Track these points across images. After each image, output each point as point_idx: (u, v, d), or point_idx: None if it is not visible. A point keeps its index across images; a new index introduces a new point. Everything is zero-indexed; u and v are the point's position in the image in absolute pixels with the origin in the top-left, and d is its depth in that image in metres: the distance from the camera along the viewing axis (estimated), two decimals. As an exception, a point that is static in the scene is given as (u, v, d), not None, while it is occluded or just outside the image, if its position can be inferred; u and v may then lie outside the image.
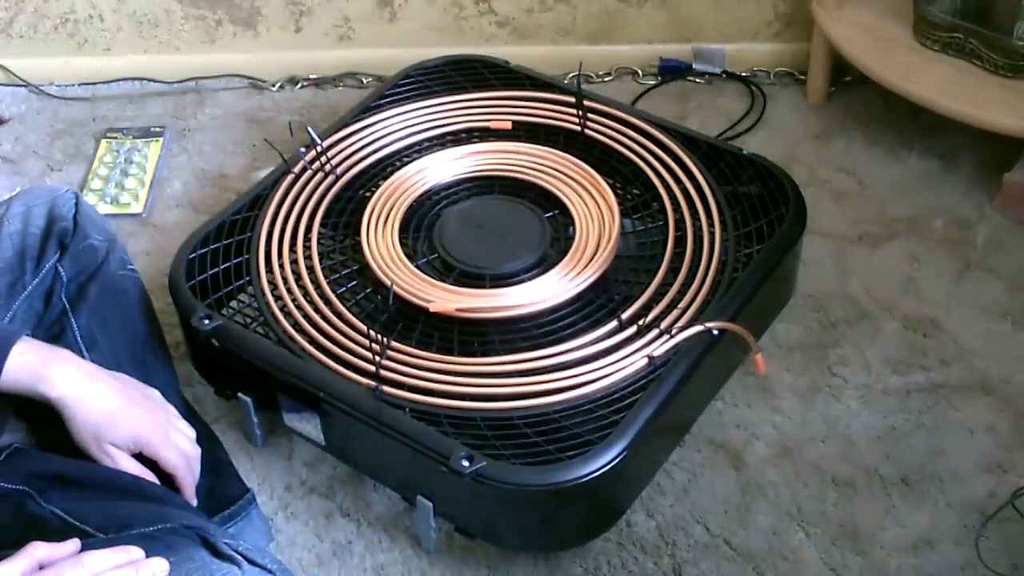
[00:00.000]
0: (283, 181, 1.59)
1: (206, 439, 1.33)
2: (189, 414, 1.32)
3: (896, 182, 1.82)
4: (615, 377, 1.33)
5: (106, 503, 1.07)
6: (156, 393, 1.20)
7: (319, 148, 1.63)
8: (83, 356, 1.21)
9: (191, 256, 1.48)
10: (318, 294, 1.45)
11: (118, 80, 2.07)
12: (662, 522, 1.39)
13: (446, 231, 1.53)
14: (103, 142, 1.95)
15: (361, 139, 1.67)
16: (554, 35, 2.04)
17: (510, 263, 1.48)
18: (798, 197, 1.54)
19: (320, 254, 1.51)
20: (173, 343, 1.60)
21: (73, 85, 2.08)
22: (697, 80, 2.04)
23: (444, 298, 1.42)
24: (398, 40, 2.05)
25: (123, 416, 1.12)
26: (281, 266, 1.49)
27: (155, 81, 2.06)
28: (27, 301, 1.23)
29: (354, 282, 1.49)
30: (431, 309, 1.41)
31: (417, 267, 1.49)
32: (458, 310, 1.41)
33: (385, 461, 1.35)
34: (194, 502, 1.20)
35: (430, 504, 1.31)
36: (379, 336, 1.37)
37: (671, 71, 2.04)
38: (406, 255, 1.51)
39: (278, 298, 1.45)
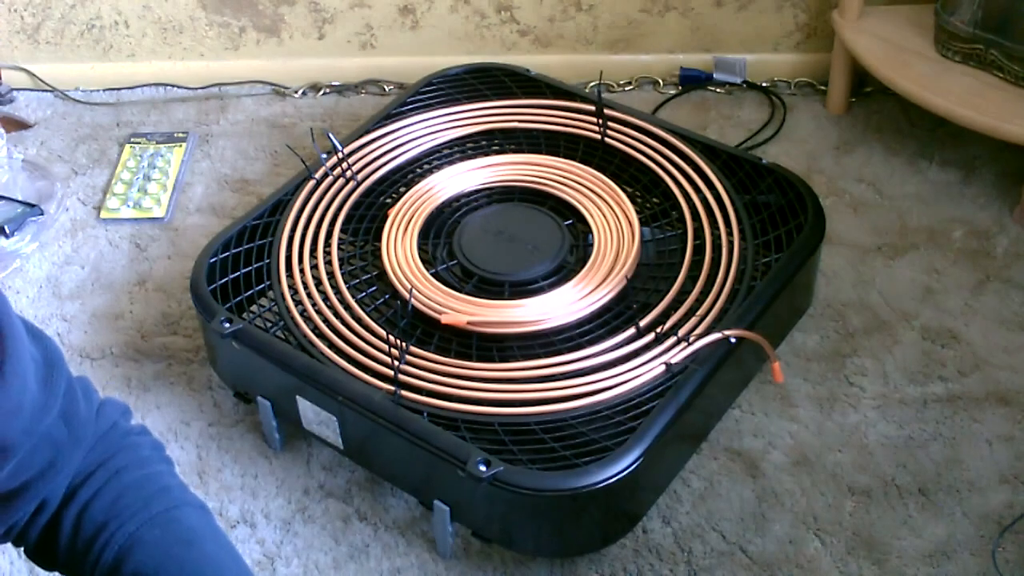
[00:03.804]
0: (304, 187, 1.61)
1: None
2: None
3: (916, 193, 1.82)
4: (632, 384, 1.33)
5: None
6: None
7: (340, 154, 1.64)
8: None
9: (212, 260, 1.49)
10: (338, 299, 1.46)
11: (142, 86, 2.09)
12: (678, 529, 1.39)
13: (465, 238, 1.54)
14: (127, 147, 1.96)
15: (382, 146, 1.68)
16: (575, 44, 2.05)
17: (529, 270, 1.49)
18: (817, 207, 1.54)
19: (340, 259, 1.52)
20: (193, 347, 1.61)
21: (98, 90, 2.10)
22: (717, 90, 2.04)
23: (459, 309, 1.43)
24: (420, 48, 2.06)
25: None
26: (301, 271, 1.50)
27: (179, 87, 2.08)
28: None
29: (373, 288, 1.50)
30: (443, 321, 1.42)
31: (436, 274, 1.50)
32: (469, 323, 1.42)
33: (403, 465, 1.36)
34: None
35: (447, 508, 1.31)
36: (398, 341, 1.38)
37: (692, 81, 2.05)
38: (424, 261, 1.52)
39: (298, 302, 1.46)
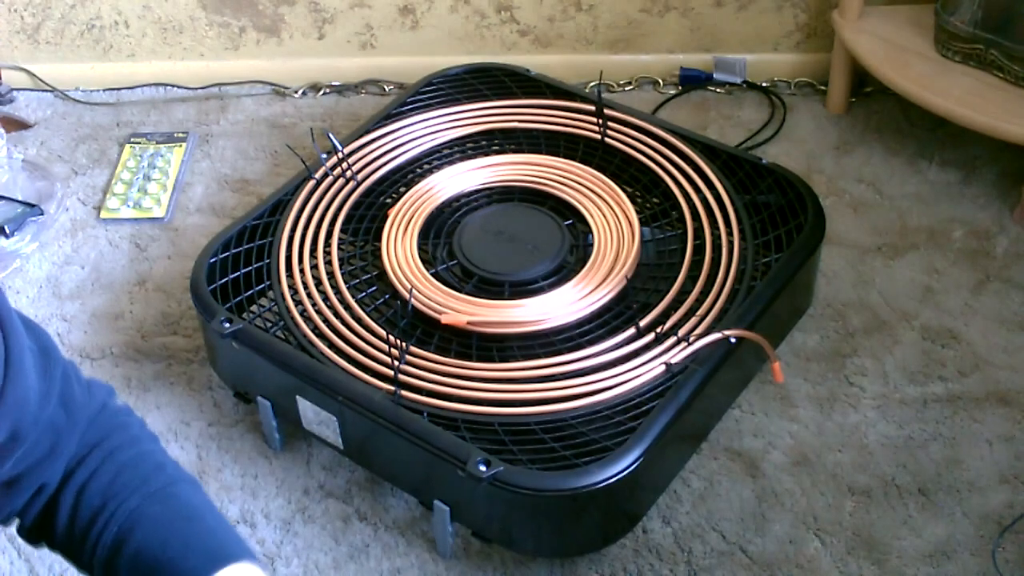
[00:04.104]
0: (304, 187, 1.61)
1: None
2: None
3: (916, 193, 1.82)
4: (632, 384, 1.33)
5: None
6: None
7: (340, 154, 1.64)
8: None
9: (212, 260, 1.49)
10: (338, 299, 1.46)
11: (142, 86, 2.09)
12: (678, 529, 1.39)
13: (465, 238, 1.54)
14: (127, 147, 1.96)
15: (382, 146, 1.68)
16: (575, 44, 2.05)
17: (529, 270, 1.49)
18: (817, 207, 1.54)
19: (340, 259, 1.52)
20: (193, 347, 1.61)
21: (98, 90, 2.10)
22: (717, 90, 2.04)
23: (459, 309, 1.43)
24: (420, 48, 2.06)
25: None
26: (301, 271, 1.50)
27: (179, 87, 2.08)
28: None
29: (373, 288, 1.50)
30: (443, 321, 1.42)
31: (436, 274, 1.50)
32: (469, 323, 1.42)
33: (403, 465, 1.36)
34: None
35: (447, 508, 1.31)
36: (398, 341, 1.38)
37: (692, 81, 2.05)
38: (424, 261, 1.52)
39: (298, 303, 1.46)
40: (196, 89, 2.07)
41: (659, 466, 1.34)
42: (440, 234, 1.56)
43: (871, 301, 1.65)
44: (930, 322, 1.62)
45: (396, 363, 1.35)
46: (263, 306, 1.47)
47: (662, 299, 1.44)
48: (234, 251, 1.52)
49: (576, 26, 2.02)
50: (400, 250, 1.52)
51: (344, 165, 1.63)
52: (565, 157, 1.66)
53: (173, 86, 2.08)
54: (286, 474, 1.47)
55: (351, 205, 1.60)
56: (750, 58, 2.03)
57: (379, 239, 1.55)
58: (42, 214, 1.81)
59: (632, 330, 1.40)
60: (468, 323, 1.42)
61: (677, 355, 1.36)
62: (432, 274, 1.49)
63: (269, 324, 1.44)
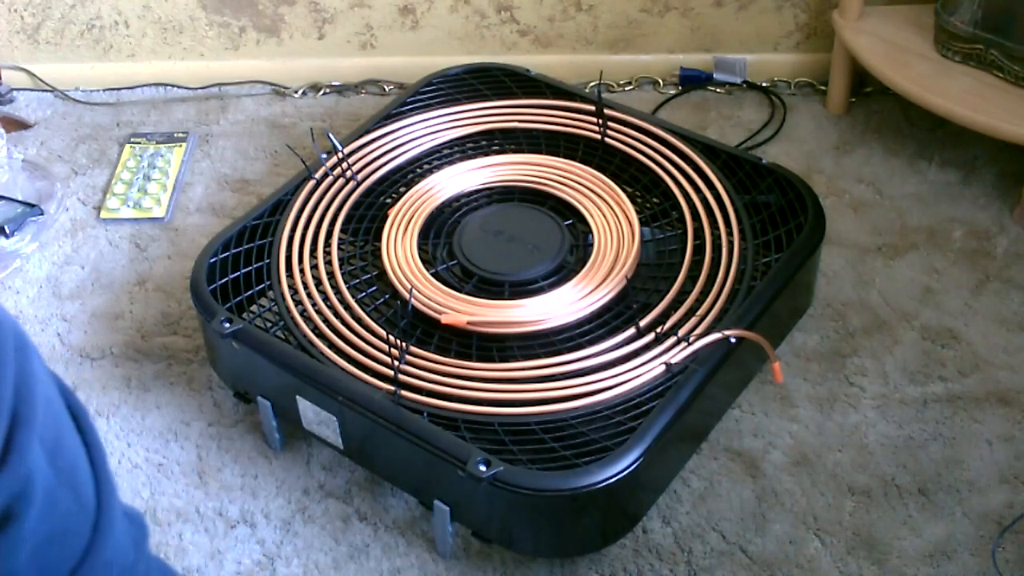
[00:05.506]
0: (304, 187, 1.61)
1: None
2: None
3: (915, 193, 1.82)
4: (632, 384, 1.33)
5: None
6: None
7: (340, 154, 1.64)
8: None
9: (212, 260, 1.49)
10: (338, 299, 1.46)
11: (142, 86, 2.09)
12: (678, 529, 1.39)
13: (465, 238, 1.54)
14: (127, 147, 1.96)
15: (382, 146, 1.68)
16: (575, 44, 2.05)
17: (529, 270, 1.49)
18: (817, 207, 1.54)
19: (340, 259, 1.52)
20: (193, 347, 1.61)
21: (98, 90, 2.10)
22: (717, 90, 2.04)
23: (459, 309, 1.43)
24: (420, 48, 2.06)
25: None
26: (301, 271, 1.50)
27: (179, 87, 2.08)
28: None
29: (373, 288, 1.50)
30: (443, 321, 1.42)
31: (436, 274, 1.50)
32: (469, 323, 1.42)
33: (403, 465, 1.36)
34: None
35: (447, 508, 1.31)
36: (398, 341, 1.38)
37: (692, 81, 2.05)
38: (424, 261, 1.52)
39: (298, 302, 1.46)
40: (196, 89, 2.07)
41: (659, 466, 1.34)
42: (440, 234, 1.56)
43: (871, 301, 1.65)
44: (930, 322, 1.62)
45: (396, 363, 1.35)
46: (263, 306, 1.47)
47: (662, 299, 1.44)
48: (234, 251, 1.52)
49: (576, 26, 2.03)
50: (400, 250, 1.52)
51: (344, 165, 1.64)
52: (565, 157, 1.66)
53: (173, 86, 2.08)
54: (286, 474, 1.47)
55: (351, 205, 1.60)
56: (750, 58, 2.03)
57: (379, 239, 1.55)
58: (42, 214, 1.81)
59: (632, 330, 1.40)
60: (468, 323, 1.42)
61: (677, 355, 1.36)
62: (432, 274, 1.49)
63: (269, 324, 1.44)
